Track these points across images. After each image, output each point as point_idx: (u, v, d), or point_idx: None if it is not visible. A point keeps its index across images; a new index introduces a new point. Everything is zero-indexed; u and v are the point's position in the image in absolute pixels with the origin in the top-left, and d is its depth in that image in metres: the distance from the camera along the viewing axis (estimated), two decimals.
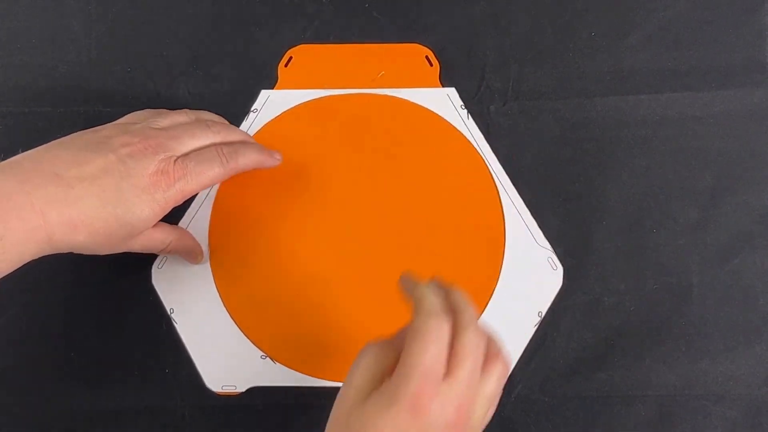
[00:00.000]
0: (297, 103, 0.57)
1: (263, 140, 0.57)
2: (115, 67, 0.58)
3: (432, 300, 0.41)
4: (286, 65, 0.58)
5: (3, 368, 0.55)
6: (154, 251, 0.51)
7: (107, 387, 0.55)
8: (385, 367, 0.40)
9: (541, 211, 0.56)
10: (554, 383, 0.55)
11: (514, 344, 0.55)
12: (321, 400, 0.52)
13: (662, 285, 0.56)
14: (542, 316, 0.55)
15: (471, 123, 0.57)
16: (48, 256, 0.45)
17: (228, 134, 0.52)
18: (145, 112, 0.53)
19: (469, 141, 0.57)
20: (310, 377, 0.55)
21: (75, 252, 0.46)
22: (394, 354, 0.40)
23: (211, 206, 0.56)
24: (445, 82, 0.58)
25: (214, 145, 0.50)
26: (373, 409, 0.38)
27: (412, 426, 0.37)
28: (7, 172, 0.43)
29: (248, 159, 0.51)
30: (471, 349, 0.40)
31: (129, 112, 0.54)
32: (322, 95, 0.57)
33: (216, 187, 0.57)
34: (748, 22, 0.57)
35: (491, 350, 0.42)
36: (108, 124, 0.50)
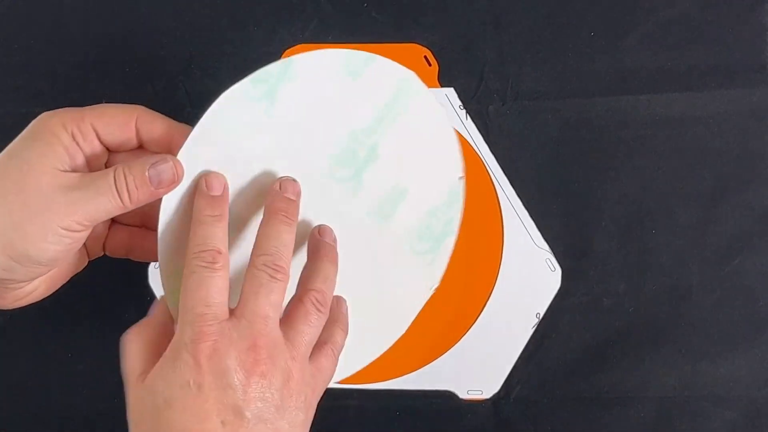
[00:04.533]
0: None
1: None
2: (112, 67, 0.58)
3: (211, 231, 0.39)
4: None
5: (3, 368, 0.55)
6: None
7: (104, 388, 0.55)
8: (157, 343, 0.39)
9: (540, 211, 0.56)
10: (553, 384, 0.55)
11: (513, 345, 0.55)
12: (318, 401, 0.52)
13: (662, 286, 0.55)
14: (540, 318, 0.55)
15: (470, 123, 0.57)
16: None
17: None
18: None
19: (467, 141, 0.57)
20: None
21: None
22: (162, 328, 0.40)
23: None
24: (443, 82, 0.57)
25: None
26: (158, 377, 0.37)
27: (203, 375, 0.36)
28: None
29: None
30: (260, 281, 0.38)
31: None
32: None
33: None
34: (748, 22, 0.57)
35: (316, 295, 0.41)
36: None
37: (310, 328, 0.40)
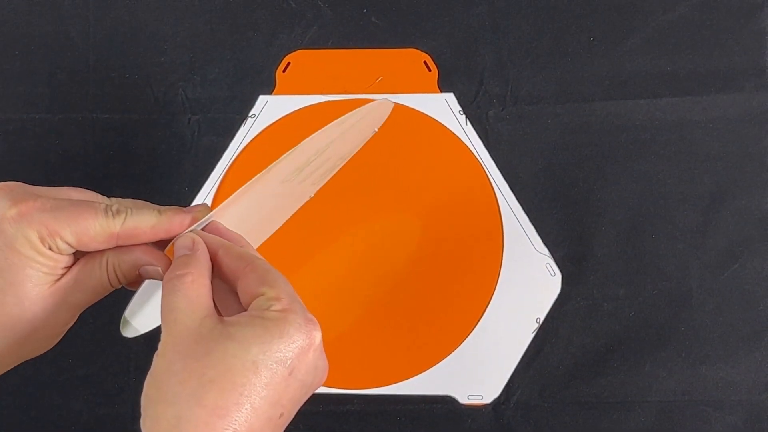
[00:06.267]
0: (295, 109, 0.57)
1: (261, 146, 0.57)
2: (113, 73, 0.58)
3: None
4: (284, 71, 0.58)
5: (3, 373, 0.55)
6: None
7: (104, 393, 0.55)
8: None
9: (540, 216, 0.56)
10: (553, 389, 0.55)
11: (513, 350, 0.55)
12: (319, 406, 0.52)
13: (662, 290, 0.55)
14: (541, 322, 0.55)
15: (469, 128, 0.57)
16: None
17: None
18: None
19: (467, 146, 0.57)
20: None
21: None
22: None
23: None
24: (443, 87, 0.57)
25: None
26: (254, 338, 0.34)
27: (302, 364, 0.35)
28: None
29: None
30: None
31: (127, 118, 0.54)
32: (321, 101, 0.57)
33: (214, 194, 0.57)
34: (748, 26, 0.57)
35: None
36: None
37: None
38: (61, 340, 0.55)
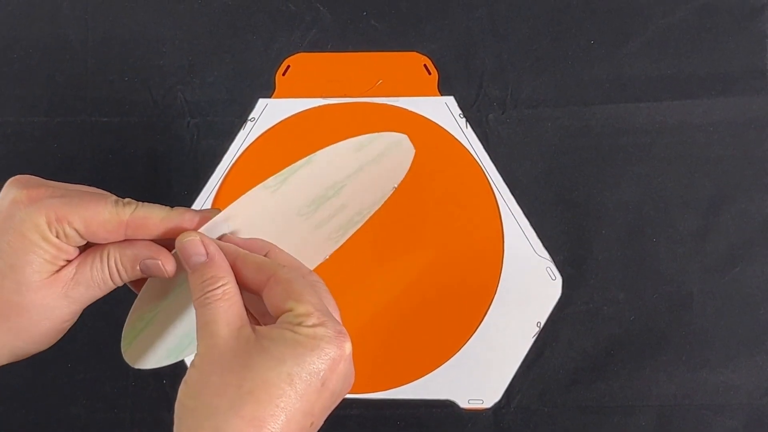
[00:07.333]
0: (295, 112, 0.57)
1: (261, 149, 0.57)
2: (111, 76, 0.58)
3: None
4: (283, 74, 0.58)
5: (3, 377, 0.55)
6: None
7: (104, 397, 0.55)
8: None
9: (540, 220, 0.56)
10: (554, 393, 0.55)
11: (513, 354, 0.55)
12: None
13: (662, 294, 0.55)
14: (541, 326, 0.55)
15: (469, 131, 0.57)
16: None
17: None
18: None
19: (467, 149, 0.57)
20: None
21: None
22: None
23: None
24: (443, 90, 0.57)
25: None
26: (287, 349, 0.35)
27: (334, 375, 0.36)
28: None
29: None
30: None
31: (126, 122, 0.54)
32: (320, 104, 0.57)
33: (213, 197, 0.56)
34: (748, 29, 0.57)
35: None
36: None
37: None
38: (60, 343, 0.55)
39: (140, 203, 0.39)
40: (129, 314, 0.41)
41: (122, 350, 0.41)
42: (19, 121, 0.57)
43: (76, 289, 0.39)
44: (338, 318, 0.38)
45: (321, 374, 0.35)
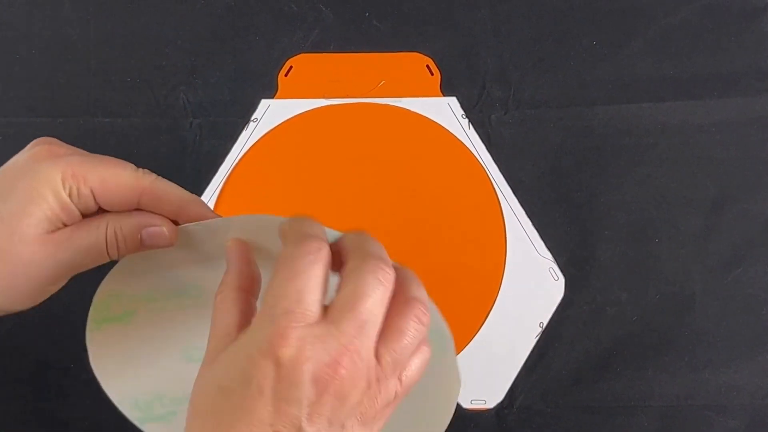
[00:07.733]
0: (297, 113, 0.57)
1: (263, 150, 0.56)
2: (114, 76, 0.58)
3: (309, 223, 0.35)
4: (286, 74, 0.58)
5: (5, 377, 0.55)
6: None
7: (108, 398, 0.55)
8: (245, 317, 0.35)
9: (543, 220, 0.56)
10: (556, 393, 0.55)
11: (516, 355, 0.55)
12: None
13: (664, 294, 0.55)
14: (544, 327, 0.55)
15: (472, 132, 0.57)
16: None
17: None
18: None
19: (470, 150, 0.57)
20: None
21: None
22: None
23: None
24: (446, 91, 0.57)
25: None
26: (224, 362, 0.32)
27: (271, 381, 0.31)
28: None
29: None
30: (371, 285, 0.32)
31: (128, 122, 0.54)
32: (323, 105, 0.57)
33: (216, 198, 0.56)
34: (750, 30, 0.57)
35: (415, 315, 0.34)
36: None
37: (407, 347, 0.34)
38: (63, 344, 0.55)
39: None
40: (101, 284, 0.40)
41: (87, 329, 0.40)
42: (21, 122, 0.57)
43: (66, 253, 0.37)
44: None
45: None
